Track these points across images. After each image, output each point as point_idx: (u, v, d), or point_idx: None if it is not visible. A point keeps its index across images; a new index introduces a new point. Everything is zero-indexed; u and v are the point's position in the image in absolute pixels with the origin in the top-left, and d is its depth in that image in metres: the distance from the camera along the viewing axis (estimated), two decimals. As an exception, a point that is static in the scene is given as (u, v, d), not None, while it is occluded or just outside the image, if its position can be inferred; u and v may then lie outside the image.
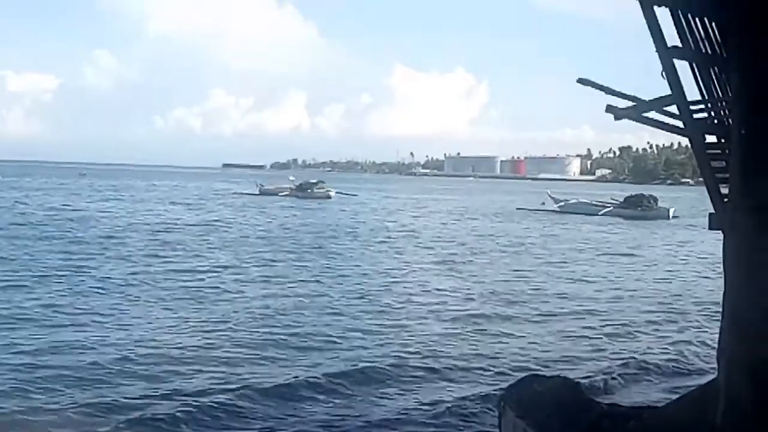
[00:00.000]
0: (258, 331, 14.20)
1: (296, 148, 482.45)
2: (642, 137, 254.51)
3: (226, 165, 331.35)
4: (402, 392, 10.87)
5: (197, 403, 9.85)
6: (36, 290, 17.60)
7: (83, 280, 19.34)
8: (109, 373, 11.10)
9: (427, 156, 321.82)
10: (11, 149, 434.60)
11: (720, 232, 6.52)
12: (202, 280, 20.45)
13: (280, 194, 70.78)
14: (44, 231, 30.79)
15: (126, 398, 10.01)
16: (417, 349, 13.23)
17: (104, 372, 11.13)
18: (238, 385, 10.66)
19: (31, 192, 65.66)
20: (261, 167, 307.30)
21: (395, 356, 12.66)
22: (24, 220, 36.12)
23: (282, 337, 13.81)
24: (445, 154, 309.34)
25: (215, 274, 21.59)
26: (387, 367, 11.96)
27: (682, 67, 7.58)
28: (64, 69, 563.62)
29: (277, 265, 23.72)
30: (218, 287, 19.24)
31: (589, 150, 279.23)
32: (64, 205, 48.58)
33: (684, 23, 7.81)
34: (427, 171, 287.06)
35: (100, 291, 17.99)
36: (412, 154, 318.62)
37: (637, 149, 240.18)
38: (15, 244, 26.06)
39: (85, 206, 48.54)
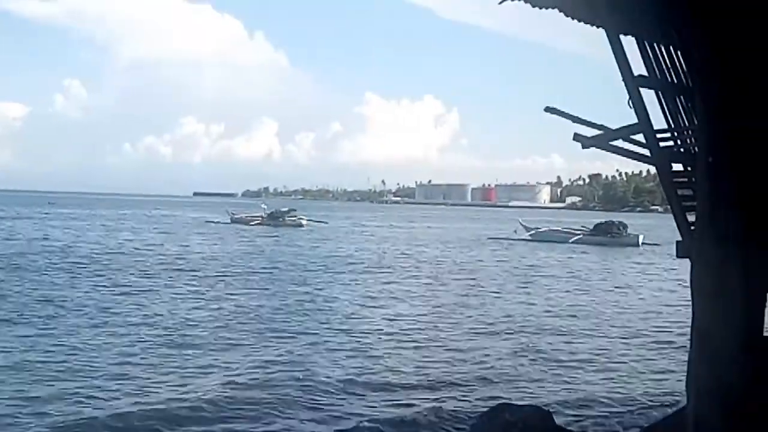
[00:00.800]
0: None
1: (267, 176, 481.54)
2: (611, 165, 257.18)
3: (197, 193, 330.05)
4: (367, 420, 10.75)
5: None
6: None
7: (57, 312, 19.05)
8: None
9: (398, 183, 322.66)
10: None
11: (687, 259, 6.55)
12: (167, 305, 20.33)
13: (252, 223, 70.30)
14: (12, 262, 30.28)
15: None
16: (383, 377, 13.17)
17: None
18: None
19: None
20: (232, 195, 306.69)
21: (355, 382, 12.59)
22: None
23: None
24: (416, 182, 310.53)
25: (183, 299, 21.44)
26: (343, 394, 11.92)
27: (649, 95, 7.65)
28: (34, 97, 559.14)
29: (244, 295, 23.51)
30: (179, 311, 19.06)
31: (559, 177, 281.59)
32: (35, 235, 47.90)
33: (650, 52, 7.90)
34: (399, 199, 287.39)
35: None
36: (383, 181, 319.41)
37: (606, 176, 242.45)
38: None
39: (54, 236, 47.98)
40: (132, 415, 10.47)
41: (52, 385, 11.84)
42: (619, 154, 7.81)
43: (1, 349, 14.36)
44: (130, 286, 24.36)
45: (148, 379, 12.55)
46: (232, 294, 23.36)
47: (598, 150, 7.94)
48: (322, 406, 11.36)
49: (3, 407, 10.67)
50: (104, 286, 24.03)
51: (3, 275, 25.58)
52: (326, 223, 73.85)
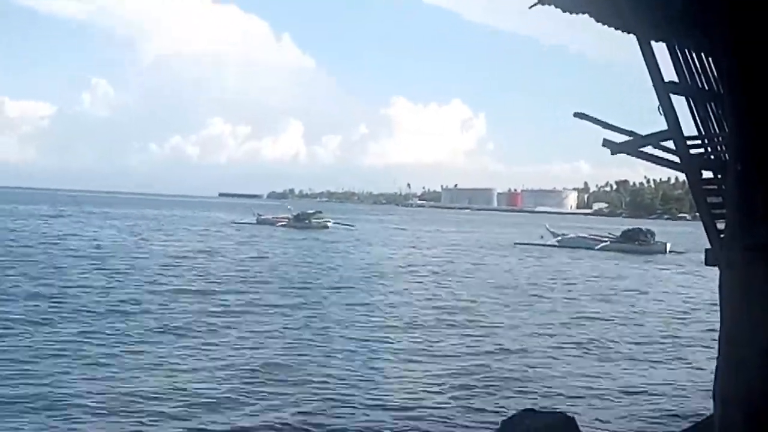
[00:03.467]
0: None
1: (293, 178, 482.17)
2: (639, 171, 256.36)
3: (222, 194, 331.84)
4: (396, 424, 10.76)
5: None
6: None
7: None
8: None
9: (423, 187, 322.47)
10: (5, 175, 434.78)
11: (716, 267, 6.50)
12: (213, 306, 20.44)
13: (278, 224, 70.59)
14: (51, 261, 30.36)
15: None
16: (412, 382, 13.19)
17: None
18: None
19: (31, 219, 65.36)
20: (258, 197, 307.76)
21: (390, 391, 12.56)
22: (27, 250, 35.83)
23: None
24: (441, 186, 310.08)
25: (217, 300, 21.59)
26: (378, 401, 11.90)
27: (679, 102, 7.60)
28: (61, 96, 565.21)
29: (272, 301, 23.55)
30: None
31: (586, 183, 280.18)
32: (65, 234, 48.26)
33: (681, 58, 7.85)
34: (424, 202, 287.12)
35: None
36: (408, 185, 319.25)
37: (634, 183, 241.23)
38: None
39: (84, 234, 48.41)
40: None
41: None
42: (648, 160, 7.75)
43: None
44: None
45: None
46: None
47: (626, 156, 7.89)
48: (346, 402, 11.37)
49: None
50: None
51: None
52: (353, 226, 73.82)
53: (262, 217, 74.90)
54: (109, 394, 11.34)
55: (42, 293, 21.23)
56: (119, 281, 25.04)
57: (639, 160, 7.83)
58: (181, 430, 9.99)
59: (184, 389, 11.81)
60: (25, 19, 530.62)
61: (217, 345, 15.49)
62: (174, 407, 10.82)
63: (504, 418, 9.19)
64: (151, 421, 10.26)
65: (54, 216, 72.91)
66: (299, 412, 10.97)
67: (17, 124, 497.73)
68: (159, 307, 20.06)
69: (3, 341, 14.90)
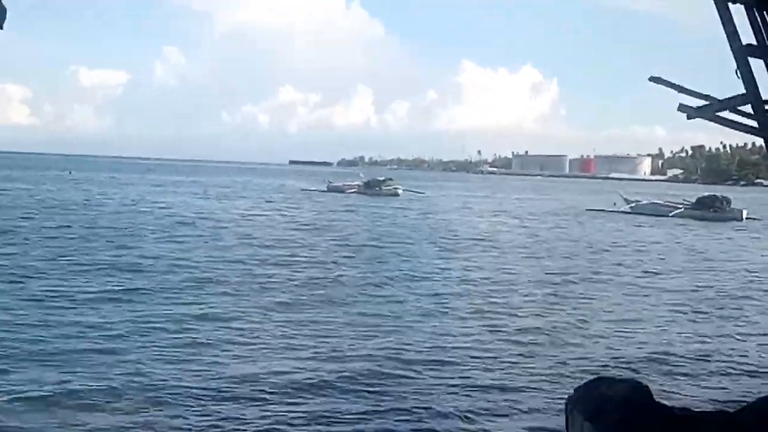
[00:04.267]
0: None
1: (363, 145, 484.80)
2: (715, 136, 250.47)
3: (292, 162, 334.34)
4: (468, 386, 10.84)
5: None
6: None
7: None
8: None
9: (494, 154, 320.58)
10: (81, 144, 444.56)
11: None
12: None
13: (348, 191, 71.01)
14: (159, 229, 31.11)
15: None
16: (490, 344, 13.25)
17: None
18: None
19: (114, 187, 67.11)
20: (328, 164, 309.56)
21: (459, 362, 12.61)
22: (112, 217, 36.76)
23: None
24: (512, 153, 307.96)
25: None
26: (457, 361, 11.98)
27: (758, 65, 7.43)
28: (135, 65, 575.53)
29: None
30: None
31: (660, 149, 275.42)
32: (153, 201, 49.46)
33: (759, 20, 7.66)
34: (494, 169, 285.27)
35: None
36: (479, 152, 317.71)
37: (710, 149, 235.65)
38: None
39: (167, 201, 49.63)
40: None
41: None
42: (725, 125, 7.61)
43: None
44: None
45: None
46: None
47: (702, 121, 7.75)
48: (417, 376, 11.45)
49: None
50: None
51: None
52: (422, 192, 73.87)
53: (333, 184, 75.32)
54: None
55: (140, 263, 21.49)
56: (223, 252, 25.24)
57: (715, 124, 7.69)
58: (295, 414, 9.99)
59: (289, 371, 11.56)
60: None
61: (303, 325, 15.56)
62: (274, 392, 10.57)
63: (576, 385, 9.16)
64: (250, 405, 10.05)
65: (157, 186, 74.67)
66: (366, 383, 11.07)
67: (93, 93, 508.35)
68: (260, 279, 19.92)
69: (120, 311, 15.16)
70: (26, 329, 13.04)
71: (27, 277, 18.36)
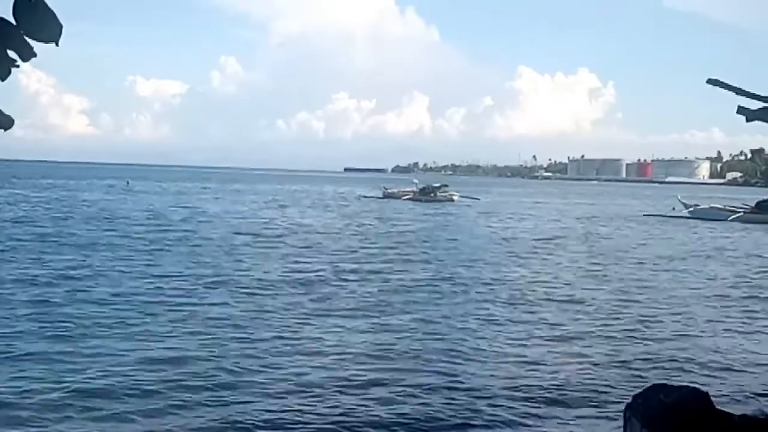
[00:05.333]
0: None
1: (417, 152, 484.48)
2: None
3: (347, 169, 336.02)
4: (524, 391, 10.81)
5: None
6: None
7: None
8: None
9: (549, 159, 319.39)
10: (138, 152, 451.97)
11: None
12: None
13: (404, 198, 71.12)
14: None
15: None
16: (545, 351, 13.17)
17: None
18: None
19: (179, 196, 68.15)
20: (382, 171, 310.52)
21: (519, 368, 12.57)
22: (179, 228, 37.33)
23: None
24: (568, 157, 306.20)
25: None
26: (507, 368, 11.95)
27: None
28: (192, 75, 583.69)
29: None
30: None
31: (719, 152, 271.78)
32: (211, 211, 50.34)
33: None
34: (550, 174, 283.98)
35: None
36: (534, 157, 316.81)
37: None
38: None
39: (236, 212, 50.37)
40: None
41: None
42: (785, 128, 7.49)
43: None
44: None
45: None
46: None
47: (762, 124, 7.63)
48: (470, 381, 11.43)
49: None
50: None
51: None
52: (478, 198, 73.71)
53: (389, 191, 75.53)
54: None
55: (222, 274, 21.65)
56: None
57: (775, 127, 7.58)
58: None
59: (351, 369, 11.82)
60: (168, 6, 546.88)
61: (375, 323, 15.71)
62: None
63: (635, 392, 9.08)
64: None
65: (211, 194, 75.67)
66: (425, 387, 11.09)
67: (150, 103, 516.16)
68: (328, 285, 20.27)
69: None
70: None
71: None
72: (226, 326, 14.59)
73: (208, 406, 9.90)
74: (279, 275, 21.48)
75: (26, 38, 2.86)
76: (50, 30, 2.96)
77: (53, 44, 3.01)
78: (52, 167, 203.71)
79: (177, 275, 20.74)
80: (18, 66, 2.99)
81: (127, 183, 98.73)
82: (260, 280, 20.54)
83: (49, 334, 13.36)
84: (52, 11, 2.90)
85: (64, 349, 12.25)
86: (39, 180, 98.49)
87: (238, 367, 11.63)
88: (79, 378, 10.72)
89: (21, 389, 10.17)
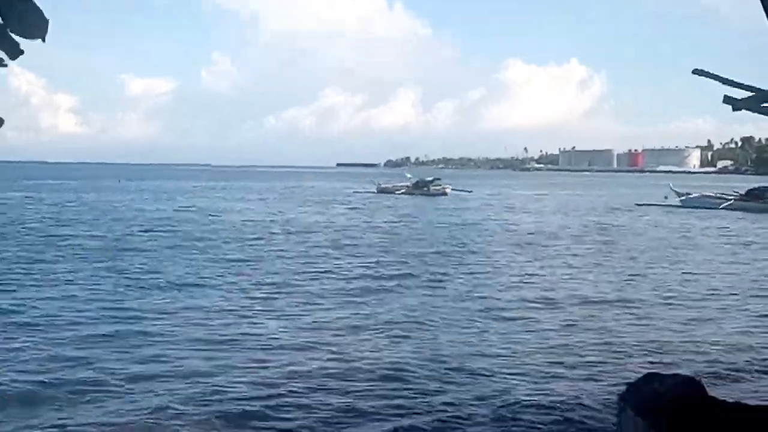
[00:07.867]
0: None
1: (408, 146, 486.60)
2: (765, 127, 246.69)
3: (339, 164, 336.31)
4: (518, 383, 10.80)
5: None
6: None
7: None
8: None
9: (540, 150, 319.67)
10: (128, 151, 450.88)
11: None
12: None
13: (398, 192, 71.54)
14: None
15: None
16: (536, 342, 13.19)
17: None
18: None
19: (166, 193, 67.87)
20: (374, 165, 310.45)
21: (511, 349, 12.62)
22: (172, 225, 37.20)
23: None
24: (559, 149, 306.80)
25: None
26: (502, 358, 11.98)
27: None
28: (181, 72, 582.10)
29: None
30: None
31: (709, 141, 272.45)
32: (202, 207, 50.30)
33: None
34: (541, 166, 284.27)
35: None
36: (525, 149, 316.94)
37: (759, 139, 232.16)
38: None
39: (228, 207, 50.32)
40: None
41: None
42: (771, 115, 7.50)
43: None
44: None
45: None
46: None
47: (751, 113, 7.66)
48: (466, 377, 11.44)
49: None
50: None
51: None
52: (470, 191, 73.96)
53: (382, 186, 75.75)
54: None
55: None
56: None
57: (763, 116, 7.60)
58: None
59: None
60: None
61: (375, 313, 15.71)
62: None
63: (629, 381, 9.10)
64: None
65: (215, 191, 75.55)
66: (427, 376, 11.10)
67: (140, 101, 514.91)
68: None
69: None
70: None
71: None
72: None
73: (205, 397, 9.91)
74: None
75: (12, 35, 2.82)
76: (37, 26, 2.91)
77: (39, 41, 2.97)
78: (47, 168, 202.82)
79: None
80: (6, 65, 2.95)
81: (119, 182, 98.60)
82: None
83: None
84: (38, 7, 2.85)
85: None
86: (47, 181, 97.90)
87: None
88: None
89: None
